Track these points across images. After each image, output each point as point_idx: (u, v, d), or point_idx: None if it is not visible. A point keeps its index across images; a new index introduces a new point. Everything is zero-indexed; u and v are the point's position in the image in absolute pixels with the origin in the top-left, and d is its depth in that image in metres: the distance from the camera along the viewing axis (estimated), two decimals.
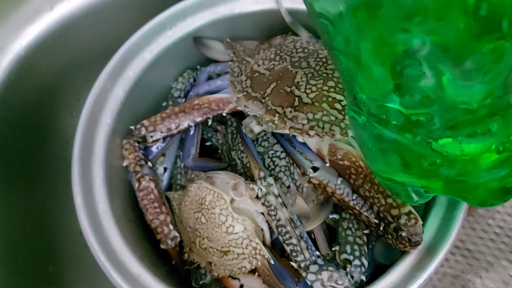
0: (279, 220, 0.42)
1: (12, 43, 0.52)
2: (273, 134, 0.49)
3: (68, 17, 0.55)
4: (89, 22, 0.57)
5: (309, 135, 0.43)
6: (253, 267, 0.43)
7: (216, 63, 0.55)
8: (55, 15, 0.54)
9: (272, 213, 0.43)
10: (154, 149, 0.52)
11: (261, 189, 0.44)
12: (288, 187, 0.48)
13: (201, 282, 0.50)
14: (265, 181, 0.44)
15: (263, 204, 0.43)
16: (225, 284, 0.48)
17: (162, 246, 0.49)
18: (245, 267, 0.44)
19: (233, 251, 0.43)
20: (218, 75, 0.55)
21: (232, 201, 0.46)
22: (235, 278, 0.47)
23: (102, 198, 0.44)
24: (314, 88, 0.43)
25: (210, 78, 0.55)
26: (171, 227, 0.49)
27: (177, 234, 0.49)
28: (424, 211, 0.44)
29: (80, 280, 0.56)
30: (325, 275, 0.41)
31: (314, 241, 0.46)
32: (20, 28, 0.53)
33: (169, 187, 0.55)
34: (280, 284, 0.43)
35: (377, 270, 0.44)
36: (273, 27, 0.54)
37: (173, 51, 0.53)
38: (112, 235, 0.43)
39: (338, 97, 0.43)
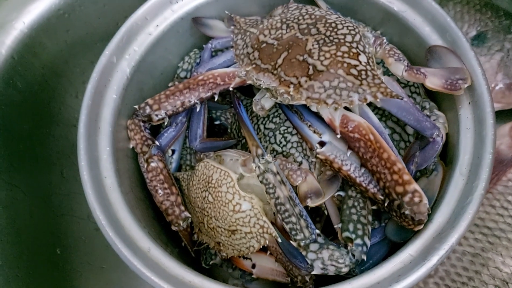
0: (277, 198, 0.41)
1: (14, 21, 0.51)
2: (280, 107, 0.47)
3: None
4: (93, 0, 0.55)
5: (327, 104, 0.41)
6: (261, 246, 0.42)
7: (218, 38, 0.53)
8: None
9: (271, 191, 0.41)
10: (165, 135, 0.50)
11: (258, 166, 0.42)
12: (300, 163, 0.47)
13: (211, 263, 0.49)
14: (263, 158, 0.42)
15: (261, 182, 0.42)
16: (236, 264, 0.47)
17: (174, 228, 0.47)
18: (253, 246, 0.42)
19: (240, 230, 0.42)
20: (221, 51, 0.53)
21: (241, 177, 0.45)
22: (246, 258, 0.46)
23: (110, 174, 0.43)
24: (327, 55, 0.41)
25: (214, 56, 0.53)
26: (182, 207, 0.47)
27: (188, 215, 0.47)
28: (444, 183, 0.43)
29: (88, 263, 0.55)
30: (325, 253, 0.40)
31: (328, 217, 0.45)
32: (23, 5, 0.52)
33: (179, 169, 0.53)
34: (291, 262, 0.41)
35: (396, 248, 0.42)
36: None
37: (180, 27, 0.52)
38: (120, 210, 0.42)
39: (353, 62, 0.41)
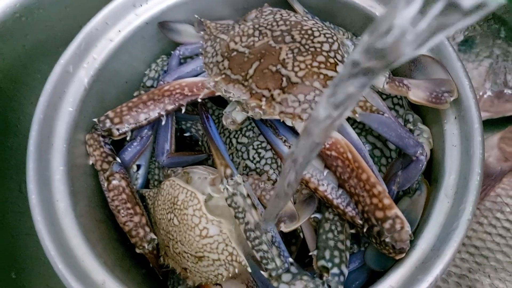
0: (247, 223, 0.37)
1: None
2: (254, 120, 0.44)
3: None
4: (53, 2, 0.51)
5: (301, 119, 0.37)
6: (230, 275, 0.38)
7: (186, 44, 0.49)
8: None
9: (240, 215, 0.38)
10: (129, 150, 0.46)
11: (227, 188, 0.38)
12: (275, 181, 0.43)
13: None
14: (232, 179, 0.39)
15: (229, 205, 0.38)
16: None
17: (138, 251, 0.43)
18: (221, 274, 0.39)
19: (208, 257, 0.38)
20: (190, 58, 0.49)
21: (210, 198, 0.41)
22: (216, 284, 0.42)
23: (62, 196, 0.39)
24: (302, 65, 0.38)
25: (182, 63, 0.49)
26: (147, 229, 0.43)
27: (154, 236, 0.44)
28: (428, 204, 0.40)
29: (47, 287, 0.51)
30: (299, 285, 0.36)
31: (303, 241, 0.42)
32: None
33: (146, 184, 0.49)
34: None
35: (376, 275, 0.39)
36: (248, 1, 0.49)
37: (145, 32, 0.48)
38: (72, 237, 0.38)
39: (330, 73, 0.38)
